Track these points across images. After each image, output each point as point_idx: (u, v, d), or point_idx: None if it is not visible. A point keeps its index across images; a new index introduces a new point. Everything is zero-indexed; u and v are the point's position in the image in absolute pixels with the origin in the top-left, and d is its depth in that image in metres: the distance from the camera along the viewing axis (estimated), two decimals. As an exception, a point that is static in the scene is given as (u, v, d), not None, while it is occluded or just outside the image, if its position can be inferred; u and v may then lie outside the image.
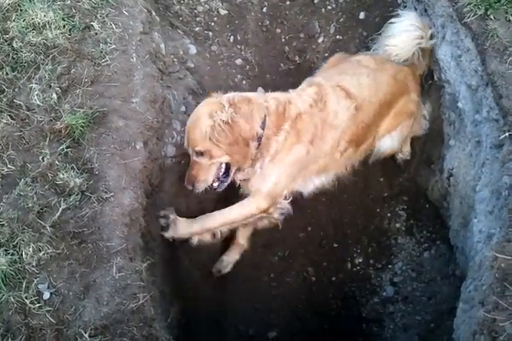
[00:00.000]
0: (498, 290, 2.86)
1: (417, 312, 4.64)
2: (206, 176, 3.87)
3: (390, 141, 4.67)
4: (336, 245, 5.08)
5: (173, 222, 3.86)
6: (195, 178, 3.85)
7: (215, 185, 3.97)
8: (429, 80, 4.90)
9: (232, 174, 3.99)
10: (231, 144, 3.78)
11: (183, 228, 3.89)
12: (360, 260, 5.01)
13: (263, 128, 3.87)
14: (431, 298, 4.63)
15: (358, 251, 5.04)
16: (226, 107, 3.76)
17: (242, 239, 4.62)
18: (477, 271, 3.41)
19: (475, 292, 3.32)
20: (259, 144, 3.89)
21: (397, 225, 5.03)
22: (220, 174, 3.96)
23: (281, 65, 5.35)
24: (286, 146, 3.94)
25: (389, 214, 5.08)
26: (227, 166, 3.96)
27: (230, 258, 4.65)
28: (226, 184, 4.02)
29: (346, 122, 4.14)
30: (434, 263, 4.76)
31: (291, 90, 4.21)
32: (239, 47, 5.26)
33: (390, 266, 4.92)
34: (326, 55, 5.36)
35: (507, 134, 3.41)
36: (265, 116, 3.88)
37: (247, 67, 5.24)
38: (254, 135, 3.84)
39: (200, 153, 3.80)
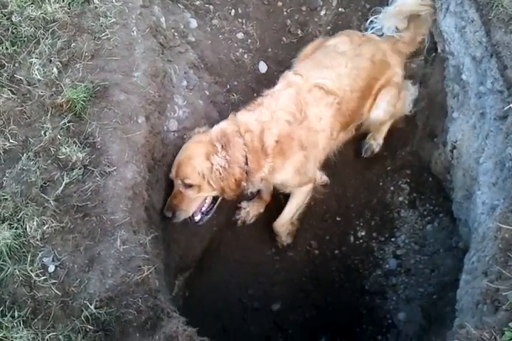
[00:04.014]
0: (502, 260, 2.87)
1: (419, 285, 4.69)
2: (188, 207, 3.93)
3: (377, 111, 4.65)
4: (338, 219, 5.10)
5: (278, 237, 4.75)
6: (176, 207, 3.88)
7: (197, 218, 4.05)
8: (432, 53, 4.86)
9: (215, 208, 4.12)
10: (225, 186, 3.90)
11: (279, 227, 4.63)
12: (363, 233, 5.03)
13: (247, 164, 3.94)
14: (434, 270, 4.67)
15: (361, 224, 5.06)
16: (219, 150, 3.84)
17: (267, 194, 4.80)
18: (480, 242, 3.43)
19: (478, 263, 3.34)
20: (247, 177, 4.00)
21: (400, 198, 5.05)
22: (204, 208, 4.05)
23: (283, 38, 5.29)
24: (278, 167, 4.07)
25: (392, 188, 5.10)
26: (213, 200, 4.08)
27: (255, 211, 4.86)
28: (208, 217, 4.11)
29: (333, 117, 4.22)
30: (437, 235, 4.79)
31: (264, 100, 4.14)
32: (240, 20, 5.18)
33: (392, 239, 4.95)
34: (329, 28, 5.31)
35: (511, 105, 3.38)
36: (246, 152, 3.93)
37: (249, 40, 5.17)
38: (244, 176, 3.96)
39: (189, 186, 3.87)
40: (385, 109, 4.63)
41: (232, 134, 3.93)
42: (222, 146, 3.85)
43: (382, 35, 4.79)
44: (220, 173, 3.82)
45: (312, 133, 4.13)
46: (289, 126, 4.01)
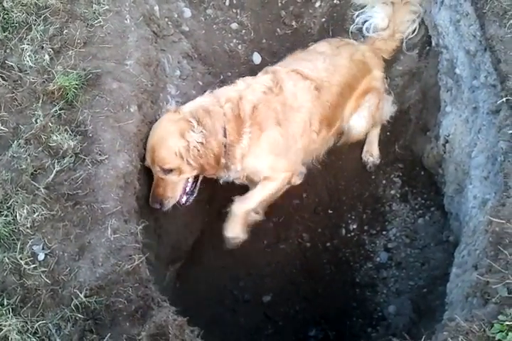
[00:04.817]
0: (492, 254, 2.87)
1: (410, 278, 4.70)
2: (174, 193, 3.80)
3: (359, 119, 4.69)
4: (330, 211, 5.11)
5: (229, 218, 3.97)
6: (162, 196, 3.75)
7: (183, 200, 3.91)
8: (426, 46, 4.86)
9: (198, 185, 3.97)
10: (204, 163, 3.75)
11: (239, 210, 3.96)
12: (355, 226, 5.04)
13: (225, 136, 3.82)
14: (424, 264, 4.68)
15: (353, 217, 5.06)
16: (195, 125, 3.69)
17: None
18: (471, 236, 3.44)
19: (468, 256, 3.35)
20: (225, 152, 3.85)
21: (392, 192, 5.05)
22: (188, 188, 3.91)
23: (278, 29, 5.26)
24: (253, 143, 3.91)
25: (384, 181, 5.11)
26: (195, 178, 3.93)
27: None
28: (194, 196, 3.97)
29: (311, 102, 4.15)
30: (428, 229, 4.79)
31: (241, 78, 4.17)
32: (234, 11, 5.15)
33: (384, 233, 4.96)
34: (323, 20, 5.29)
35: (504, 99, 3.38)
36: (224, 123, 3.83)
37: (243, 31, 5.15)
38: (223, 150, 3.82)
39: (169, 171, 3.72)
40: (366, 118, 4.70)
41: (212, 104, 3.86)
42: (197, 121, 3.71)
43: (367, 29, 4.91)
44: (198, 150, 3.68)
45: (288, 109, 4.03)
46: (265, 95, 3.97)
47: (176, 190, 3.80)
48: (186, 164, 3.71)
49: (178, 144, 3.67)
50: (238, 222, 3.99)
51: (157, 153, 3.67)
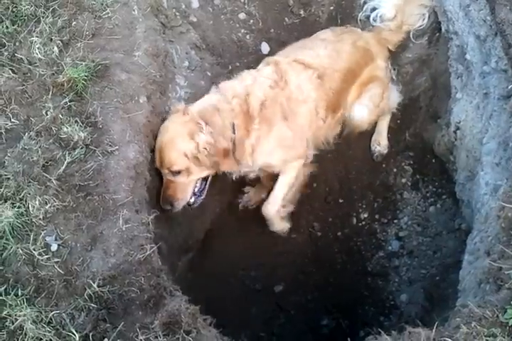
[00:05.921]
0: (504, 239, 2.86)
1: (422, 266, 4.69)
2: (184, 194, 3.83)
3: (361, 108, 4.66)
4: (341, 200, 5.10)
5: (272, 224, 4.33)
6: (172, 198, 3.78)
7: (191, 201, 3.93)
8: (436, 33, 4.82)
9: (207, 187, 4.00)
10: (218, 160, 3.78)
11: (270, 212, 4.26)
12: (366, 215, 5.04)
13: (234, 132, 3.83)
14: (436, 252, 4.67)
15: (364, 206, 5.06)
16: (204, 126, 3.69)
17: (266, 180, 4.68)
18: (483, 222, 3.42)
19: (481, 243, 3.33)
20: (234, 147, 3.85)
21: (403, 180, 5.04)
22: (196, 189, 3.93)
23: (286, 19, 5.24)
24: (263, 138, 3.95)
25: (395, 170, 5.09)
26: (204, 180, 3.96)
27: (257, 197, 4.84)
28: (202, 198, 4.00)
29: (315, 92, 4.15)
30: (439, 217, 4.77)
31: (246, 71, 4.17)
32: (242, 0, 5.13)
33: (395, 221, 4.95)
34: (331, 8, 5.26)
35: (515, 84, 3.36)
36: (233, 118, 3.83)
37: (251, 21, 5.13)
38: (231, 145, 3.83)
39: (178, 173, 3.74)
40: (368, 108, 4.65)
41: (220, 101, 3.87)
42: (206, 122, 3.70)
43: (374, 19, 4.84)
44: (208, 150, 3.69)
45: (293, 102, 4.05)
46: (272, 90, 3.98)
47: (186, 191, 3.84)
48: (195, 165, 3.74)
49: (188, 146, 3.68)
50: (275, 221, 4.33)
51: (166, 155, 3.70)
